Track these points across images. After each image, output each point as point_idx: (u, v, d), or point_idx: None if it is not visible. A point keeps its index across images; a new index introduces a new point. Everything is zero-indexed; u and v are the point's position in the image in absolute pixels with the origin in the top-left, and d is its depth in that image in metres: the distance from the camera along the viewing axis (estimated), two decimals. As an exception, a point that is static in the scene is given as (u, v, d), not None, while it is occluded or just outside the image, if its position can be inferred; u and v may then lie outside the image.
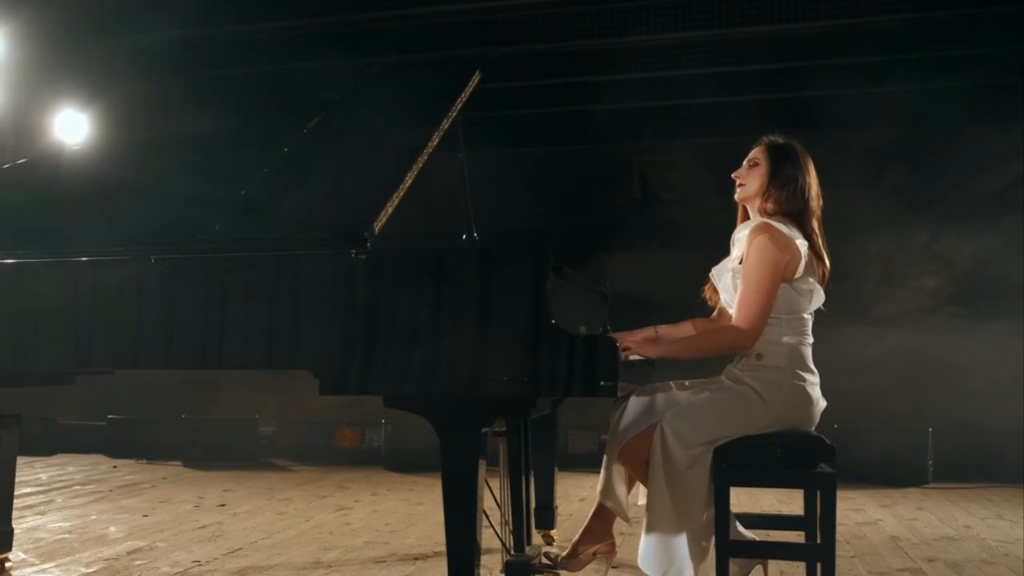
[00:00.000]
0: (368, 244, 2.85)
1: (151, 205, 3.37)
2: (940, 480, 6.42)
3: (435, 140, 3.33)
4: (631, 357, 3.38)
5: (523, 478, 3.68)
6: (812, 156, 3.18)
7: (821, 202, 3.13)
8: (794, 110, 7.47)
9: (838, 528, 4.67)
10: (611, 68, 7.02)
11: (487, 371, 2.69)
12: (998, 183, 7.35)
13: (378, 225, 2.91)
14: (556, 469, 4.25)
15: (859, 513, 5.19)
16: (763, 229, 3.00)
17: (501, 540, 3.47)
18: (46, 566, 3.81)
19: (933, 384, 7.20)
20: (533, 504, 4.07)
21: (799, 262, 2.99)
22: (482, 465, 2.79)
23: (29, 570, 3.75)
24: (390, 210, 3.00)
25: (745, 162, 3.19)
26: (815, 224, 3.10)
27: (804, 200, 3.08)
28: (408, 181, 3.12)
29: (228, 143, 3.97)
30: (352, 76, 4.06)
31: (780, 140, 3.18)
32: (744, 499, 5.44)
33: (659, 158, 8.08)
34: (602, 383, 2.68)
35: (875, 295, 7.66)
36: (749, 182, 3.14)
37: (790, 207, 3.07)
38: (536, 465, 4.10)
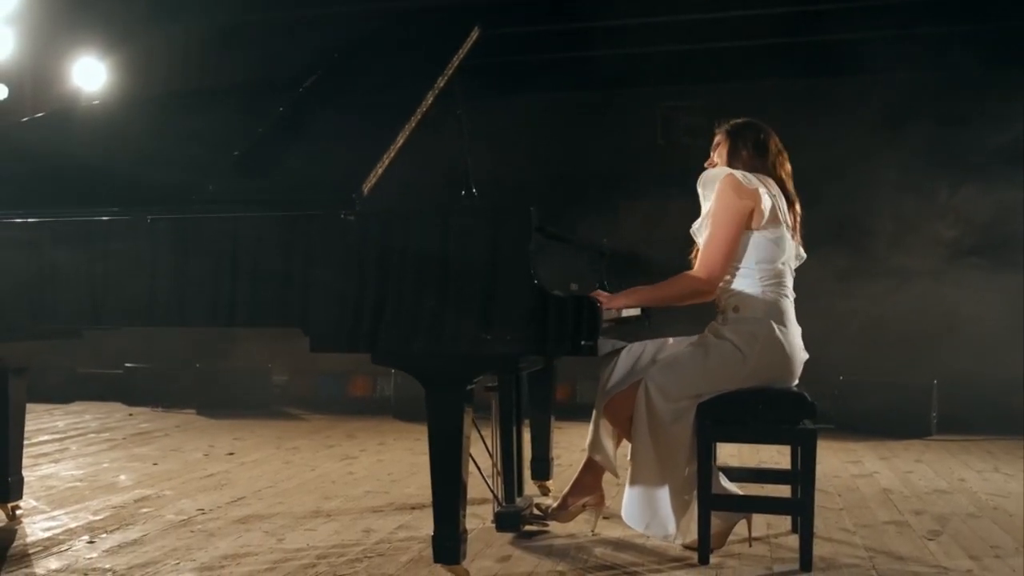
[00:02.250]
0: (356, 205, 2.91)
1: (152, 164, 3.43)
2: (944, 432, 6.45)
3: (429, 99, 3.38)
4: (624, 314, 3.47)
5: (515, 431, 3.76)
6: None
7: (785, 154, 3.34)
8: (816, 55, 7.35)
9: (832, 481, 4.78)
10: (634, 11, 6.95)
11: (470, 330, 2.75)
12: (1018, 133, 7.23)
13: (367, 186, 2.97)
14: (554, 420, 4.32)
15: (856, 465, 5.25)
16: (726, 178, 3.17)
17: (492, 491, 3.56)
18: (55, 513, 3.95)
19: (943, 337, 7.17)
20: (529, 456, 4.16)
21: (762, 209, 3.13)
22: (468, 418, 2.87)
23: (39, 517, 3.88)
24: (380, 171, 3.05)
25: (712, 148, 3.43)
26: (782, 173, 3.30)
27: (764, 152, 3.28)
28: (400, 141, 3.17)
29: (228, 100, 4.00)
30: (352, 30, 4.08)
31: (737, 121, 3.38)
32: (745, 451, 5.51)
33: (683, 103, 7.99)
34: (583, 342, 2.74)
35: (890, 247, 7.62)
36: (718, 161, 3.36)
37: (753, 164, 3.26)
38: (532, 418, 4.18)
